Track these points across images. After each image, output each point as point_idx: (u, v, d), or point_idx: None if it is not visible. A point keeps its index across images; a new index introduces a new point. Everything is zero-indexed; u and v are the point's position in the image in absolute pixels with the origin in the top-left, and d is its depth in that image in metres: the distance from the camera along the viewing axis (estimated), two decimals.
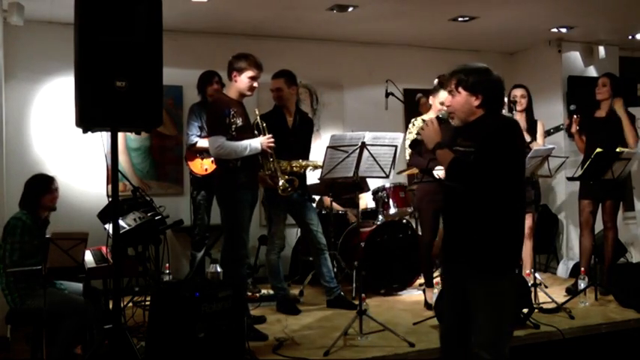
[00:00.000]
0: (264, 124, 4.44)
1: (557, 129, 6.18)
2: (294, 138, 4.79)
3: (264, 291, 5.32)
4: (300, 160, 4.68)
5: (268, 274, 4.90)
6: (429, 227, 4.79)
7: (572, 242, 6.64)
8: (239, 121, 4.20)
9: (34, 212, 3.90)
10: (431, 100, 4.84)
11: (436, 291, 4.78)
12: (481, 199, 2.66)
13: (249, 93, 4.29)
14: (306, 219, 4.89)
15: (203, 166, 5.29)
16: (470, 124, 2.75)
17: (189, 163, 5.40)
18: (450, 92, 2.79)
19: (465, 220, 2.73)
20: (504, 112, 6.29)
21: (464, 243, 2.74)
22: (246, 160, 4.22)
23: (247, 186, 4.27)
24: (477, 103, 2.70)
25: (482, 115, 2.73)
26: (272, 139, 4.29)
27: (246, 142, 4.18)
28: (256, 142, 4.23)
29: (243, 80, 4.23)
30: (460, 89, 2.73)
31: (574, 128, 5.46)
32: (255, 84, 4.27)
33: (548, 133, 5.73)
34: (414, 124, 4.84)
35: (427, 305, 5.03)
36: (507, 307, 2.75)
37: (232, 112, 4.19)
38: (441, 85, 4.61)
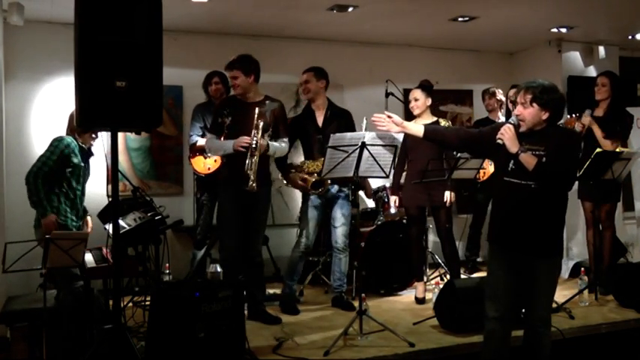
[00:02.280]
0: (258, 123, 4.34)
1: None
2: (322, 136, 4.75)
3: (271, 291, 5.35)
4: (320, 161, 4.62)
5: (286, 268, 4.99)
6: (416, 222, 5.12)
7: (572, 242, 6.64)
8: (227, 120, 4.42)
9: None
10: (429, 100, 5.09)
11: (436, 291, 4.78)
12: (553, 196, 3.17)
13: (232, 91, 4.60)
14: (332, 216, 4.93)
15: (206, 165, 5.31)
16: (535, 132, 3.21)
17: (192, 162, 5.43)
18: (522, 104, 3.21)
19: (535, 213, 3.15)
20: (503, 111, 6.38)
21: (533, 233, 3.16)
22: (230, 156, 4.44)
23: (229, 181, 4.48)
24: (545, 117, 3.18)
25: (546, 125, 3.21)
26: (245, 140, 4.31)
27: (221, 143, 4.44)
28: (229, 143, 4.37)
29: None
30: (534, 104, 3.17)
31: (579, 127, 5.42)
32: (234, 82, 4.48)
33: None
34: None
35: (417, 300, 5.08)
36: (556, 285, 3.38)
37: (225, 112, 4.44)
38: (421, 87, 5.08)
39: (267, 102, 4.51)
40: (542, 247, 3.17)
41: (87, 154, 4.12)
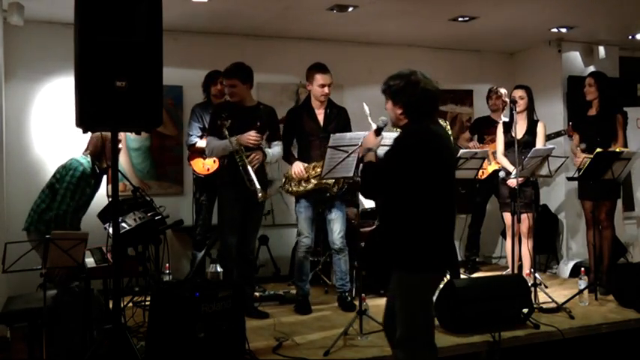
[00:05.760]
0: (258, 123, 4.58)
1: (558, 134, 6.20)
2: (324, 135, 4.71)
3: (272, 291, 5.37)
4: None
5: (294, 271, 5.01)
6: None
7: (572, 242, 6.64)
8: (227, 123, 4.45)
9: (98, 160, 4.09)
10: None
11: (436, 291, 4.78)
12: (390, 203, 2.81)
13: (229, 98, 4.60)
14: (327, 217, 4.91)
15: (205, 165, 5.30)
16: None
17: (191, 163, 5.43)
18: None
19: (383, 220, 2.94)
20: (506, 112, 6.39)
21: (385, 241, 2.89)
22: (232, 159, 4.47)
23: (231, 183, 4.54)
24: (399, 111, 2.79)
25: (407, 123, 2.81)
26: (253, 135, 4.44)
27: (224, 142, 4.46)
28: (232, 140, 4.42)
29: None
30: (385, 96, 2.84)
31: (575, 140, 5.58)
32: (229, 90, 4.55)
33: (549, 138, 5.75)
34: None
35: None
36: (417, 307, 2.81)
37: (223, 115, 4.47)
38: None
39: (261, 107, 4.68)
40: (392, 254, 2.84)
41: (101, 173, 4.17)
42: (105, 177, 4.71)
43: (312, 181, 4.70)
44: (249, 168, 4.41)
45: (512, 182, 5.07)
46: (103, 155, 4.11)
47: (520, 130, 5.25)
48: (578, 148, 5.45)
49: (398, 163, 2.75)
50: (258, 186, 4.39)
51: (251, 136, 4.45)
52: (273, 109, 4.78)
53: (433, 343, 2.88)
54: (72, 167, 4.03)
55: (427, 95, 2.76)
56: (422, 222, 2.77)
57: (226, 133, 4.43)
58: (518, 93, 5.34)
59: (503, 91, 6.36)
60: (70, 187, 3.95)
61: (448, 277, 5.25)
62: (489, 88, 6.55)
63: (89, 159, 4.12)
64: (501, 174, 5.42)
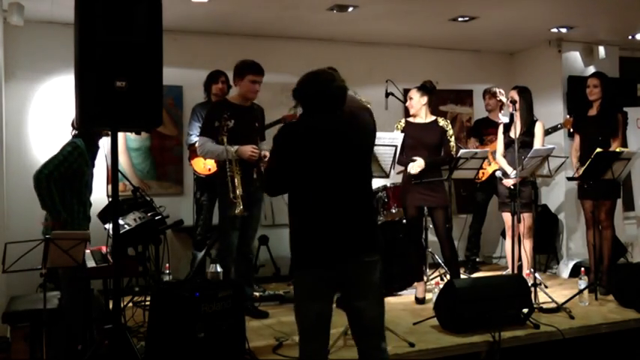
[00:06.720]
0: (257, 124, 4.59)
1: (554, 129, 6.19)
2: None
3: (272, 291, 5.37)
4: None
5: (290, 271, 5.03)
6: (415, 223, 5.11)
7: (572, 242, 6.64)
8: (230, 124, 4.37)
9: (90, 139, 3.96)
10: (423, 99, 5.13)
11: (436, 291, 4.78)
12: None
13: (251, 96, 4.51)
14: None
15: (206, 165, 5.29)
16: None
17: (192, 162, 5.43)
18: None
19: None
20: (503, 112, 6.40)
21: None
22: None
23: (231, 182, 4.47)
24: (300, 111, 2.84)
25: None
26: (254, 150, 4.39)
27: (220, 147, 4.37)
28: (231, 149, 4.35)
29: (245, 84, 4.47)
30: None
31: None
32: (257, 87, 4.47)
33: (546, 133, 5.75)
34: (397, 128, 5.09)
35: (417, 300, 5.07)
36: (296, 305, 3.03)
37: (226, 116, 4.38)
38: (419, 86, 5.08)
39: (255, 107, 4.68)
40: None
41: (94, 154, 4.08)
42: (105, 177, 4.71)
43: None
44: (236, 180, 4.35)
45: (507, 182, 5.11)
46: (97, 135, 3.98)
47: (519, 130, 5.25)
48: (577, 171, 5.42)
49: (270, 160, 2.89)
50: (241, 200, 4.31)
51: (253, 152, 4.40)
52: (263, 109, 4.80)
53: (311, 343, 3.02)
54: (71, 147, 3.88)
55: (318, 95, 2.73)
56: (294, 217, 2.82)
57: (225, 139, 4.34)
58: (511, 93, 5.36)
59: (497, 90, 6.37)
60: (58, 157, 3.78)
61: (448, 276, 5.27)
62: (484, 89, 6.56)
63: (80, 140, 3.96)
64: (498, 173, 5.43)
